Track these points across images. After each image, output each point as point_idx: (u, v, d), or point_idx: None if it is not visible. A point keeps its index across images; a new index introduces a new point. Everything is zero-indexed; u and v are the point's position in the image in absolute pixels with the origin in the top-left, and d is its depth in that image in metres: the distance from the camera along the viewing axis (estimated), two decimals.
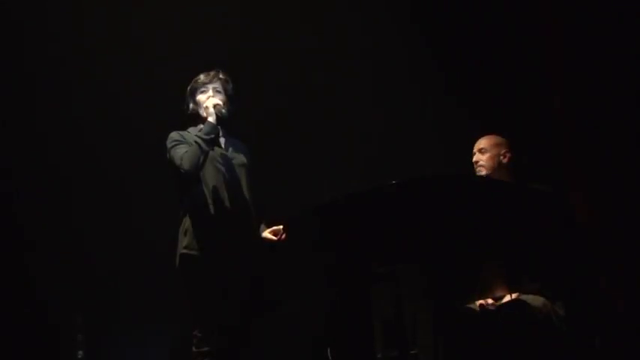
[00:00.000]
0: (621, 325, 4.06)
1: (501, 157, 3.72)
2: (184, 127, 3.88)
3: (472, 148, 3.82)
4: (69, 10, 5.16)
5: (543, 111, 4.69)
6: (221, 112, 3.75)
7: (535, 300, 3.32)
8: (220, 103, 3.79)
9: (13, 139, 5.17)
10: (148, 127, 4.75)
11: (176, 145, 3.74)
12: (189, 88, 3.92)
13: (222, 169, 3.79)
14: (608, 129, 4.41)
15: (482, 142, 3.77)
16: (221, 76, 3.90)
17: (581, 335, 3.33)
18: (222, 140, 3.90)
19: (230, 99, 3.89)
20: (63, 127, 5.21)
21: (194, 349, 3.61)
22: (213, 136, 3.72)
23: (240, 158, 3.88)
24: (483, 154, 3.73)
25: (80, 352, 5.00)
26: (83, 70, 5.19)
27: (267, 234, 3.81)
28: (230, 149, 3.90)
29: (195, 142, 3.70)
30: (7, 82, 5.16)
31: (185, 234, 3.71)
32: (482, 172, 3.71)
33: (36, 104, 5.24)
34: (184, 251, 3.69)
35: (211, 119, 3.75)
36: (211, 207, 3.71)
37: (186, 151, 3.68)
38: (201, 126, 3.79)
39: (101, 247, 5.17)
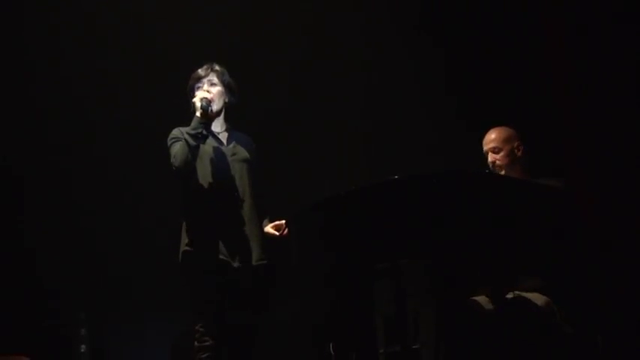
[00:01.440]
0: (624, 324, 4.04)
1: (516, 151, 3.59)
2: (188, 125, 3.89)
3: (473, 144, 3.72)
4: (69, 9, 5.17)
5: (544, 109, 4.68)
6: (203, 105, 3.70)
7: (537, 298, 3.30)
8: (207, 96, 3.75)
9: (16, 136, 5.18)
10: (149, 123, 4.77)
11: (174, 142, 3.75)
12: (188, 86, 3.90)
13: (224, 165, 3.78)
14: (610, 128, 4.39)
15: (494, 140, 3.61)
16: (216, 67, 3.87)
17: (584, 334, 3.31)
18: (224, 135, 3.90)
19: (229, 90, 3.88)
20: (65, 124, 5.22)
21: (196, 343, 3.61)
22: (200, 130, 3.68)
23: (242, 153, 3.87)
24: (498, 153, 3.58)
25: (83, 347, 5.01)
26: (87, 69, 5.20)
27: (269, 229, 3.82)
28: (233, 143, 3.88)
29: (185, 138, 3.69)
30: (8, 80, 5.17)
31: (186, 231, 3.72)
32: (502, 172, 3.55)
33: (41, 103, 5.24)
34: (185, 248, 3.70)
35: (197, 113, 3.72)
36: (212, 205, 3.71)
37: (177, 149, 3.69)
38: None
39: (104, 243, 5.18)
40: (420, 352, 3.03)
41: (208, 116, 3.73)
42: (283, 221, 3.74)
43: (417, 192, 2.66)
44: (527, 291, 3.34)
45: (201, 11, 5.20)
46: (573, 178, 4.45)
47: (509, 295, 3.37)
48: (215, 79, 3.85)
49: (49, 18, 5.16)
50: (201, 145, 3.72)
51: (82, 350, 4.99)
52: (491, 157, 3.60)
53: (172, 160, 3.68)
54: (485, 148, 3.64)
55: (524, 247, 2.80)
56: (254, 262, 3.73)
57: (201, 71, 3.87)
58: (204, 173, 3.75)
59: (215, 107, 3.78)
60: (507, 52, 4.77)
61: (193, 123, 3.70)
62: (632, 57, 4.30)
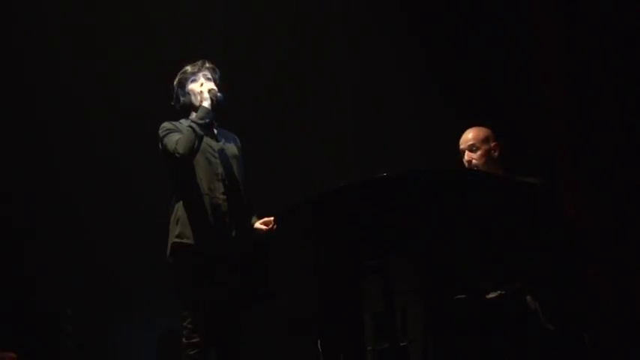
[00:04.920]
0: (611, 322, 4.07)
1: (492, 152, 3.59)
2: (175, 120, 3.88)
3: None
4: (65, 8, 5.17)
5: (534, 109, 4.69)
6: (216, 97, 3.77)
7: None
8: (215, 88, 3.80)
9: (10, 130, 5.18)
10: (138, 117, 4.78)
11: (169, 132, 3.75)
12: (177, 81, 3.92)
13: (216, 160, 3.79)
14: (598, 129, 4.41)
15: (472, 138, 3.62)
16: (207, 64, 3.91)
17: (570, 332, 3.33)
18: (213, 131, 3.90)
19: (218, 87, 3.89)
20: (56, 118, 5.22)
21: (184, 340, 3.61)
22: (207, 120, 3.73)
23: (231, 149, 3.89)
24: (475, 152, 3.59)
25: (69, 343, 5.00)
26: (79, 66, 5.21)
27: (258, 225, 3.83)
28: (222, 140, 3.90)
29: (190, 126, 3.70)
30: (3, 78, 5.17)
31: (177, 223, 3.71)
32: None
33: (35, 97, 5.24)
34: (176, 240, 3.69)
35: (206, 104, 3.76)
36: (205, 198, 3.71)
37: (180, 137, 3.68)
38: (195, 114, 3.79)
39: (92, 240, 5.18)
40: (408, 350, 3.04)
41: (214, 109, 3.77)
42: (272, 217, 3.75)
43: (405, 189, 2.66)
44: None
45: (193, 11, 5.21)
46: (562, 177, 4.49)
47: (493, 295, 3.39)
48: (209, 75, 3.88)
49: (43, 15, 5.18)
50: None
51: (69, 346, 4.99)
52: (467, 156, 3.61)
53: (174, 147, 3.66)
54: (462, 146, 3.65)
55: (509, 245, 2.81)
56: (242, 257, 3.75)
57: (194, 67, 3.89)
58: (198, 167, 3.75)
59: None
60: (497, 51, 4.79)
61: (201, 112, 3.74)
62: (621, 57, 4.33)
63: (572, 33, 4.52)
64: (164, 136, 3.75)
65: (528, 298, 3.29)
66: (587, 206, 4.33)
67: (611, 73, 4.36)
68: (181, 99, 3.90)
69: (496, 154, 3.61)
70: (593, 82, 4.42)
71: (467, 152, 3.62)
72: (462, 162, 3.66)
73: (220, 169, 3.78)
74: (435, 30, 4.99)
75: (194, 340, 3.58)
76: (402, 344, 3.03)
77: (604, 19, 4.39)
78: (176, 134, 3.72)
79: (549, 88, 4.66)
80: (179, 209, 3.73)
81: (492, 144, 3.62)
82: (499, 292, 3.34)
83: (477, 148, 3.60)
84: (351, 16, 5.19)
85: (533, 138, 4.62)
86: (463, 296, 3.46)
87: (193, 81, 3.86)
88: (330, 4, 5.20)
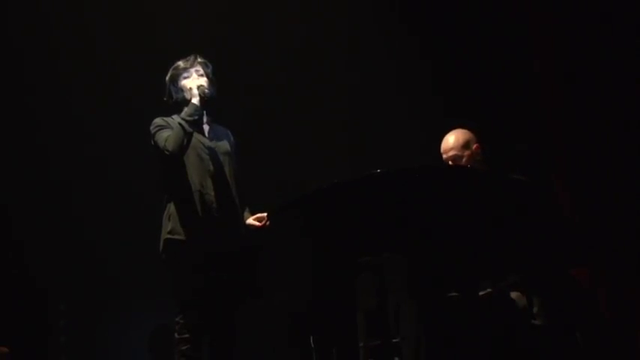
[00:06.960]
0: (605, 321, 4.07)
1: (475, 155, 3.50)
2: (168, 115, 3.87)
3: None
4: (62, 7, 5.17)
5: (531, 108, 4.70)
6: (204, 93, 3.75)
7: (512, 294, 3.31)
8: (204, 84, 3.78)
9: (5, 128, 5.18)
10: (123, 115, 4.78)
11: (160, 129, 3.74)
12: (169, 76, 3.90)
13: (207, 157, 3.78)
14: (595, 128, 4.42)
15: (453, 149, 3.50)
16: (199, 59, 3.89)
17: (561, 329, 3.33)
18: (205, 128, 3.90)
19: (211, 82, 3.87)
20: (51, 116, 5.22)
21: (176, 335, 3.61)
22: (196, 117, 3.72)
23: (223, 146, 3.88)
24: (460, 161, 3.48)
25: (63, 338, 5.00)
26: (77, 64, 5.20)
27: (251, 220, 3.82)
28: (214, 137, 3.89)
29: (179, 123, 3.69)
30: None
31: (169, 219, 3.71)
32: None
33: (29, 95, 5.24)
34: (168, 236, 3.69)
35: (195, 100, 3.75)
36: (196, 194, 3.71)
37: (169, 134, 3.68)
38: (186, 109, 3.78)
39: (85, 234, 5.19)
40: (401, 346, 3.04)
41: (204, 104, 3.75)
42: (265, 214, 3.75)
43: (399, 186, 2.66)
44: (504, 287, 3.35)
45: (191, 7, 5.20)
46: (558, 176, 4.49)
47: (482, 292, 3.38)
48: (201, 70, 3.86)
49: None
50: None
51: (62, 341, 4.99)
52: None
53: (165, 144, 3.66)
54: (445, 156, 3.56)
55: (502, 242, 2.81)
56: (235, 253, 3.74)
57: (186, 62, 3.87)
58: (189, 163, 3.74)
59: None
60: (492, 48, 4.79)
61: (190, 109, 3.72)
62: (618, 54, 4.33)
63: (569, 30, 4.53)
64: (155, 132, 3.74)
65: (518, 295, 3.29)
66: (583, 205, 4.34)
67: (609, 71, 4.36)
68: (174, 95, 3.89)
69: (479, 156, 3.52)
70: (591, 80, 4.42)
71: (452, 163, 3.51)
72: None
73: (212, 167, 3.77)
74: (431, 29, 4.99)
75: (186, 336, 3.58)
76: (394, 341, 3.03)
77: (601, 16, 4.39)
78: (166, 131, 3.71)
79: (546, 85, 4.67)
80: (171, 206, 3.73)
81: (474, 146, 3.53)
82: (488, 289, 3.35)
83: (461, 157, 3.50)
84: (350, 16, 5.19)
85: (529, 137, 4.62)
86: (456, 294, 3.47)
87: (185, 77, 3.84)
88: (330, 4, 5.20)
